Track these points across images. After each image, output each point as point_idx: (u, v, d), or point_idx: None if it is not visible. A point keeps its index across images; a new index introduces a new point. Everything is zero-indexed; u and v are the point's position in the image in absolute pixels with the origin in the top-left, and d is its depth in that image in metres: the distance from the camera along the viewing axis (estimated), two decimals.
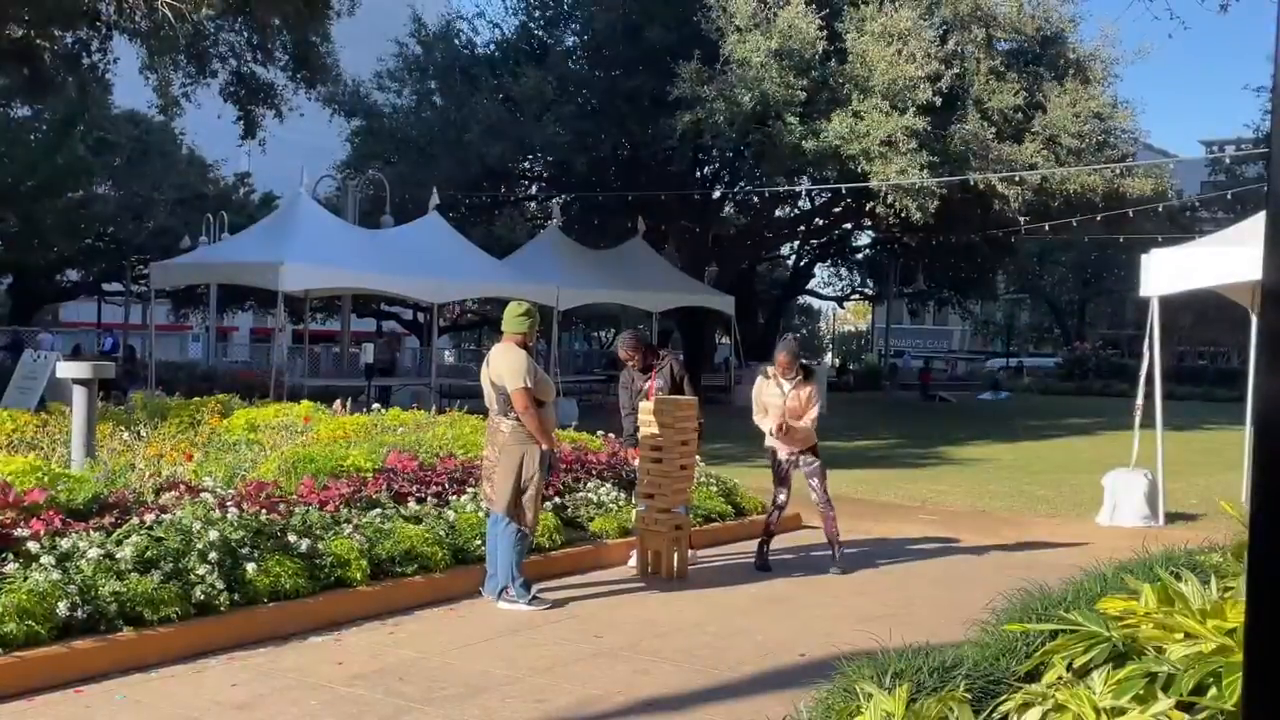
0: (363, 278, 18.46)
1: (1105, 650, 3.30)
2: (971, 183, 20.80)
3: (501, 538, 6.53)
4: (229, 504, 6.10)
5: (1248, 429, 10.58)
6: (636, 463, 8.09)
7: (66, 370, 7.37)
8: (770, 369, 7.78)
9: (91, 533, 5.52)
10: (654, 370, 7.95)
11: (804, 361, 7.85)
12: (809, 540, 9.19)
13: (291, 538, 6.11)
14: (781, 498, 7.84)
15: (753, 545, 8.37)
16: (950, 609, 6.71)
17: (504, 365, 6.50)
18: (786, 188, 24.59)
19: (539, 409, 6.51)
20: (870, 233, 37.71)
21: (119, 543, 5.49)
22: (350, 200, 24.03)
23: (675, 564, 7.53)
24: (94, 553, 5.34)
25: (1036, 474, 14.59)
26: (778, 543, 8.68)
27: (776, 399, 7.69)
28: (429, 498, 7.31)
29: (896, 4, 21.44)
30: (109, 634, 5.12)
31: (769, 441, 7.89)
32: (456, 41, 27.15)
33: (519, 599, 6.46)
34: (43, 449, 7.73)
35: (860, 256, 42.01)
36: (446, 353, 44.74)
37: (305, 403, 10.33)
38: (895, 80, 20.22)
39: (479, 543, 6.96)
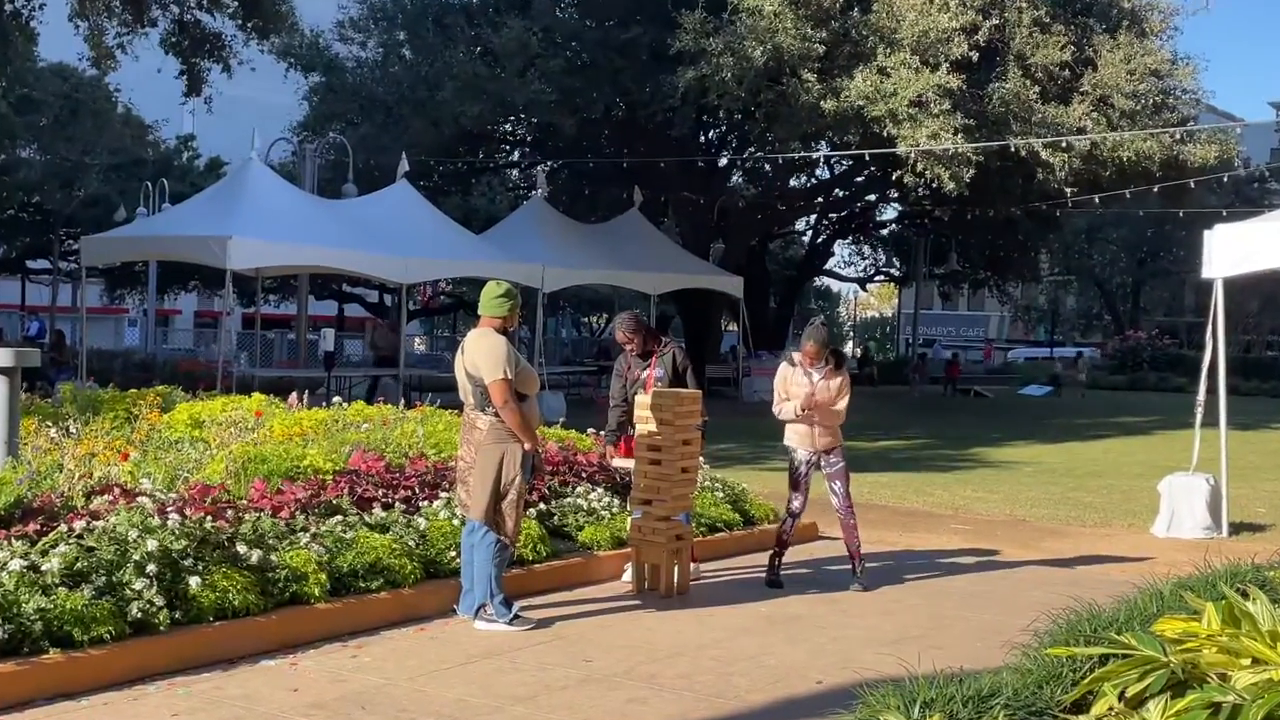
0: (322, 254, 18.43)
1: (1162, 677, 3.30)
2: (1012, 149, 20.78)
3: (479, 549, 6.53)
4: (170, 510, 6.08)
5: None
6: (617, 463, 8.08)
7: None
8: (796, 356, 7.78)
9: (13, 542, 5.51)
10: (654, 357, 7.93)
11: (834, 348, 7.86)
12: (826, 552, 9.19)
13: (241, 548, 6.10)
14: (796, 504, 7.84)
15: (763, 558, 8.36)
16: (987, 630, 6.73)
17: (481, 353, 6.48)
18: (802, 154, 24.58)
19: (521, 403, 6.50)
20: (897, 205, 37.67)
21: (45, 553, 5.48)
22: (308, 167, 24.00)
23: (675, 579, 7.54)
24: (16, 564, 5.32)
25: (1084, 478, 14.62)
26: (791, 555, 8.68)
27: (804, 389, 7.70)
28: (397, 503, 7.30)
29: None
30: (33, 656, 5.11)
31: (788, 438, 7.87)
32: None
33: (499, 618, 6.46)
34: None
35: (886, 232, 42.04)
36: (417, 340, 44.79)
37: (256, 395, 10.32)
38: (926, 32, 20.18)
39: (453, 554, 6.96)
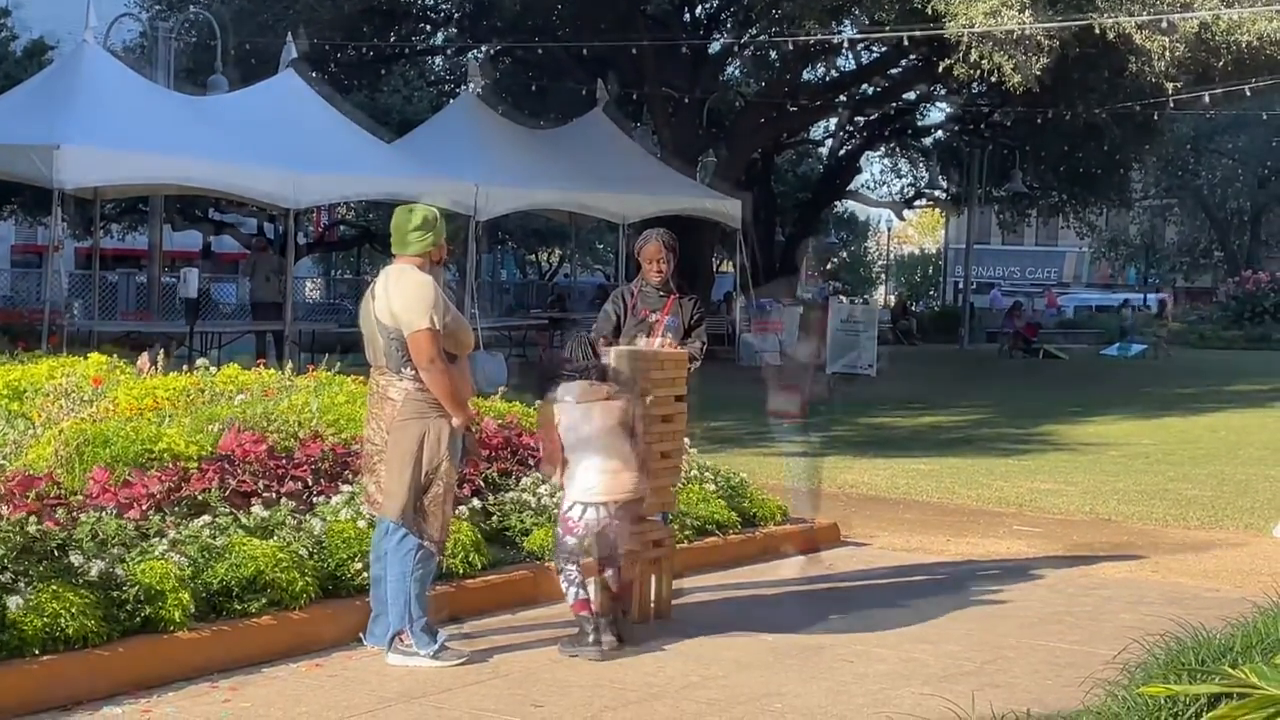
0: (182, 169, 18.27)
1: None
2: (1097, 31, 20.75)
3: (394, 558, 6.52)
4: None
5: None
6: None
7: None
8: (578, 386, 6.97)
9: None
10: (671, 300, 7.98)
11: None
12: (852, 562, 9.23)
13: (76, 558, 6.08)
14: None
15: (770, 571, 8.41)
16: (1061, 663, 6.79)
17: (400, 297, 6.45)
18: (821, 35, 24.48)
19: (450, 364, 6.49)
20: (945, 106, 37.64)
21: None
22: (162, 51, 23.73)
23: (653, 597, 7.55)
24: None
25: (1186, 465, 14.74)
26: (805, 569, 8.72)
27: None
28: (284, 499, 7.29)
29: None
30: None
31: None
32: None
33: (420, 648, 6.46)
34: None
35: (930, 142, 42.00)
36: (309, 284, 44.54)
37: (96, 356, 10.23)
38: None
39: (359, 566, 6.95)
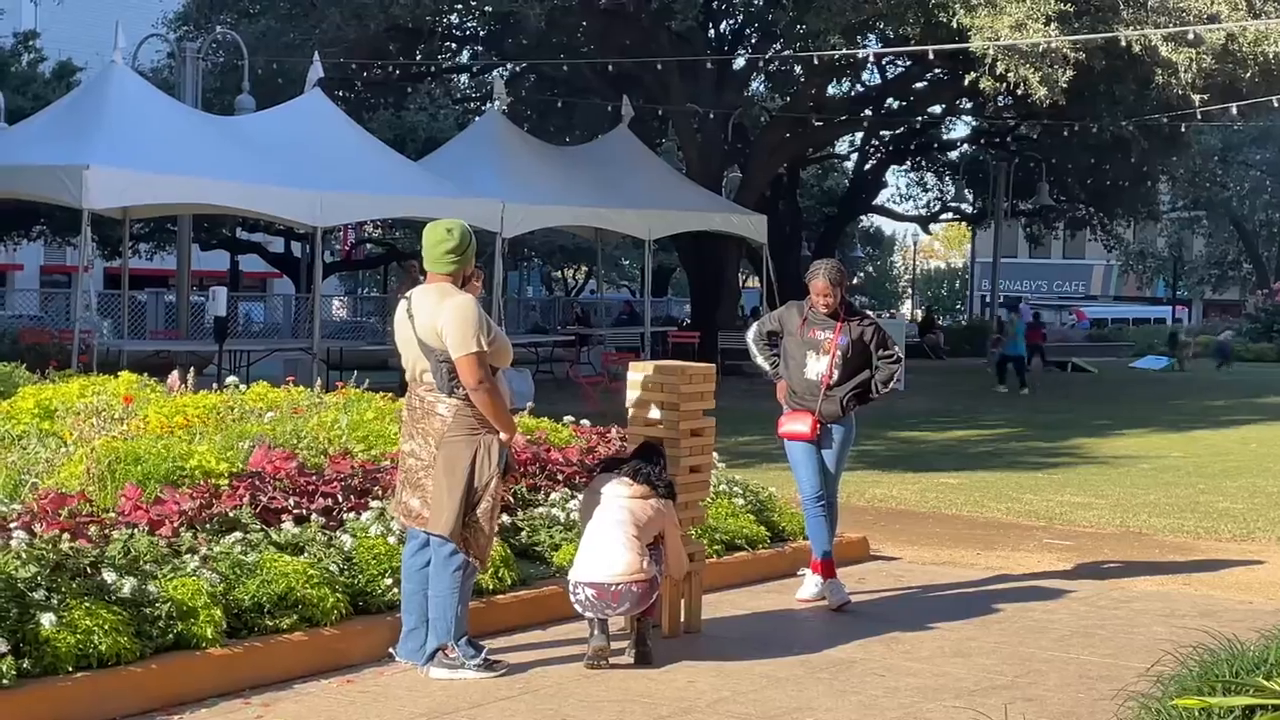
0: (209, 189, 18.36)
1: None
2: (1123, 43, 20.73)
3: (441, 573, 6.52)
4: (14, 525, 6.07)
5: None
6: (791, 426, 8.35)
7: None
8: None
9: None
10: (841, 323, 8.19)
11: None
12: (882, 578, 9.22)
13: (109, 576, 6.10)
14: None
15: (796, 583, 8.40)
16: (1093, 676, 6.76)
17: (447, 317, 6.45)
18: (845, 51, 24.49)
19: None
20: (970, 120, 37.62)
21: None
22: (189, 72, 23.88)
23: (683, 612, 7.55)
24: None
25: (1217, 478, 14.69)
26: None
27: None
28: (314, 516, 7.29)
29: None
30: None
31: None
32: None
33: (466, 659, 6.48)
34: None
35: (955, 156, 41.97)
36: (335, 302, 44.76)
37: (125, 375, 10.29)
38: None
39: (389, 582, 6.96)
